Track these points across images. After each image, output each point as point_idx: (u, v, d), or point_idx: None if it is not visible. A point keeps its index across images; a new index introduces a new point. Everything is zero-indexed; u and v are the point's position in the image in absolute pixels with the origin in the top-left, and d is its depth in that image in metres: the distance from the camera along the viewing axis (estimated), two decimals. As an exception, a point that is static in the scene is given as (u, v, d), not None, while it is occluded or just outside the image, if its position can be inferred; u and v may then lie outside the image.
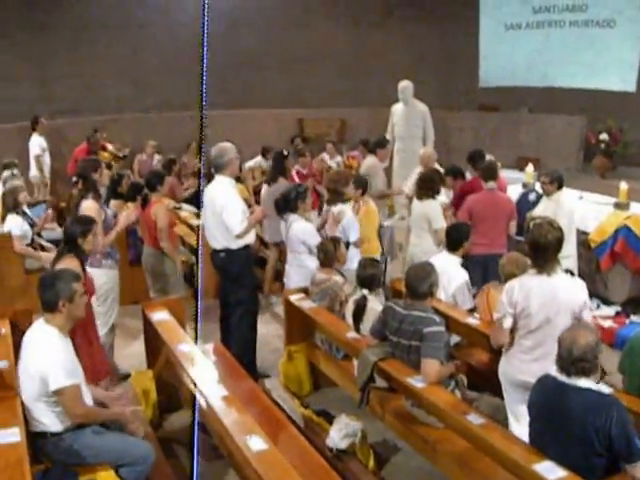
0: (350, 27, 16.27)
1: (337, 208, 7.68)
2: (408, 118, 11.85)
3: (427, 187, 8.03)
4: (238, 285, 6.97)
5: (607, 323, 8.14)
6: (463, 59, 15.60)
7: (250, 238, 6.98)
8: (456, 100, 15.87)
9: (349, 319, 6.18)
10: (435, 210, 7.95)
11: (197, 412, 4.57)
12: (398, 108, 12.04)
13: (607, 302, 8.76)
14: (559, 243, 4.82)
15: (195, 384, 5.07)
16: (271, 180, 9.26)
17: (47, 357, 4.54)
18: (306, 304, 6.63)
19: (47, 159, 12.87)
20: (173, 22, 14.67)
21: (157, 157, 13.45)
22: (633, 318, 8.27)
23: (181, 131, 14.01)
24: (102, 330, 6.69)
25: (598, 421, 3.81)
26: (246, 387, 5.80)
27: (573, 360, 3.90)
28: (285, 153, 9.54)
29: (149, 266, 7.70)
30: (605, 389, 4.06)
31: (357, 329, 6.03)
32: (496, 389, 5.37)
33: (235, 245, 6.81)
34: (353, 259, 7.15)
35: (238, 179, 10.35)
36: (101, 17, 14.70)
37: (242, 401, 5.09)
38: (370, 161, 9.63)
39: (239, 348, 6.89)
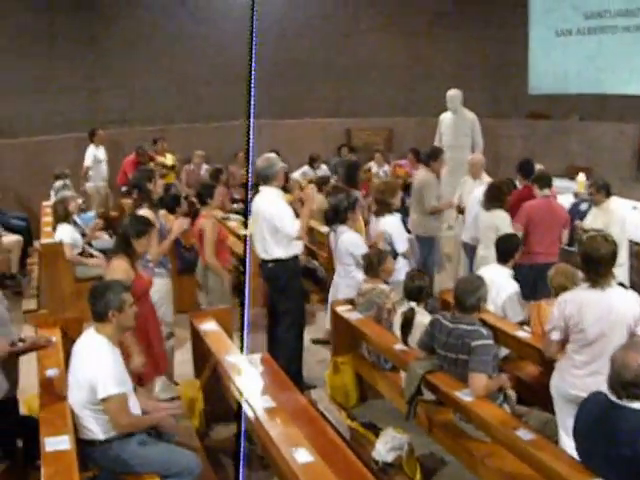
0: (398, 36, 16.19)
1: (383, 220, 7.67)
2: (456, 127, 11.81)
3: (495, 197, 7.97)
4: (286, 295, 7.02)
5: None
6: (512, 66, 15.45)
7: (298, 248, 7.04)
8: (505, 108, 15.72)
9: (397, 331, 6.16)
10: (504, 220, 7.86)
11: (243, 423, 4.61)
12: (446, 117, 12.00)
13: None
14: (613, 257, 4.75)
15: (242, 394, 5.10)
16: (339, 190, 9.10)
17: (96, 366, 4.62)
18: (353, 315, 6.62)
19: (103, 170, 13.07)
20: (221, 33, 14.74)
21: (205, 166, 13.56)
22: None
23: (229, 141, 14.11)
24: None
25: None
26: (292, 398, 5.80)
27: (623, 384, 3.78)
28: (357, 163, 9.50)
29: (199, 278, 7.77)
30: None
31: (405, 341, 6.00)
32: (546, 403, 5.31)
33: (284, 255, 6.86)
34: (401, 270, 7.15)
35: (285, 189, 10.41)
36: (150, 28, 14.85)
37: (288, 412, 5.11)
38: (422, 175, 9.36)
39: (285, 358, 6.90)
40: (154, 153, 13.22)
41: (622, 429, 3.77)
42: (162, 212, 9.23)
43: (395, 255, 7.30)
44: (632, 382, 3.76)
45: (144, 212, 6.93)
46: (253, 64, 3.65)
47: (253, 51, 3.62)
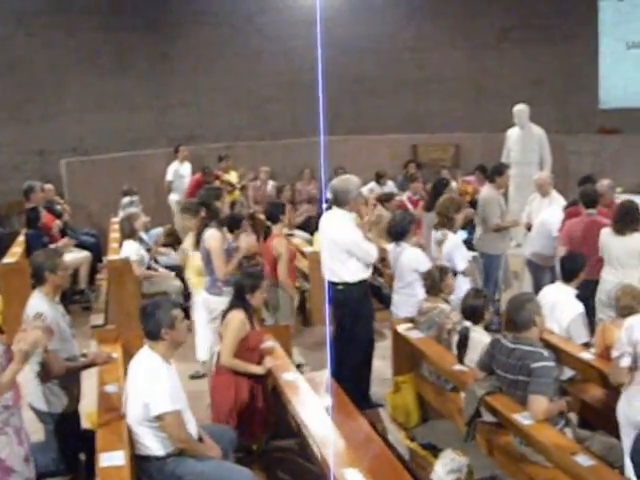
0: (464, 50, 16.08)
1: (438, 233, 7.62)
2: (524, 143, 11.66)
3: (631, 219, 7.31)
4: (355, 318, 6.92)
5: None
6: (581, 80, 15.19)
7: (367, 273, 6.95)
8: (574, 123, 15.45)
9: (455, 350, 6.09)
10: None
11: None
12: (514, 132, 11.86)
13: None
14: None
15: (299, 413, 5.10)
16: (431, 207, 8.90)
17: (150, 383, 4.71)
18: (414, 334, 6.57)
19: (185, 185, 13.31)
20: (288, 49, 14.90)
21: (271, 183, 13.65)
22: None
23: (294, 158, 14.23)
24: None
25: None
26: (351, 417, 5.78)
27: None
28: (445, 180, 9.51)
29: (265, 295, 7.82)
30: None
31: (461, 360, 5.94)
32: (611, 427, 5.19)
33: (353, 279, 6.78)
34: (462, 287, 7.06)
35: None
36: (218, 46, 15.11)
37: (345, 432, 5.09)
38: (486, 192, 9.23)
39: (354, 379, 6.86)
40: (220, 171, 13.36)
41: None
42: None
43: (455, 274, 7.22)
44: None
45: (213, 232, 7.02)
46: (321, 81, 3.66)
47: (320, 68, 3.63)
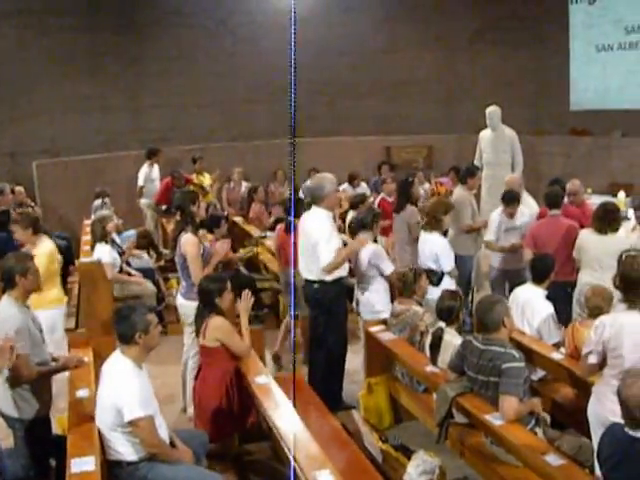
0: (437, 53, 16.17)
1: (431, 238, 7.60)
2: (496, 144, 11.68)
3: (612, 219, 7.34)
4: (329, 317, 6.94)
5: None
6: (553, 82, 15.32)
7: (343, 271, 6.94)
8: (546, 125, 15.59)
9: (427, 351, 6.11)
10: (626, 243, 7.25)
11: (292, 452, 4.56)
12: (486, 134, 11.89)
13: None
14: None
15: (270, 416, 5.08)
16: (400, 208, 9.03)
17: (122, 388, 4.65)
18: (386, 336, 6.57)
19: (156, 188, 13.21)
20: (261, 51, 14.84)
21: (245, 184, 13.57)
22: None
23: (268, 159, 14.20)
24: (194, 360, 6.80)
25: None
26: (323, 420, 5.77)
27: None
28: (410, 179, 9.50)
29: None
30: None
31: (434, 362, 5.97)
32: (581, 426, 5.22)
33: (329, 277, 6.77)
34: (448, 288, 7.05)
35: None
36: (191, 48, 15.03)
37: (317, 434, 5.07)
38: (458, 193, 9.35)
39: (327, 379, 6.92)
40: (193, 173, 13.32)
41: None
42: (201, 232, 9.37)
43: (442, 274, 7.26)
44: None
45: (189, 236, 6.98)
46: (294, 82, 3.65)
47: (293, 69, 3.61)
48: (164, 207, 12.28)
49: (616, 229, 7.33)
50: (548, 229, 7.85)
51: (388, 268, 7.22)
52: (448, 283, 7.41)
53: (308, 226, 6.80)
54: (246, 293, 6.22)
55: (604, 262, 7.01)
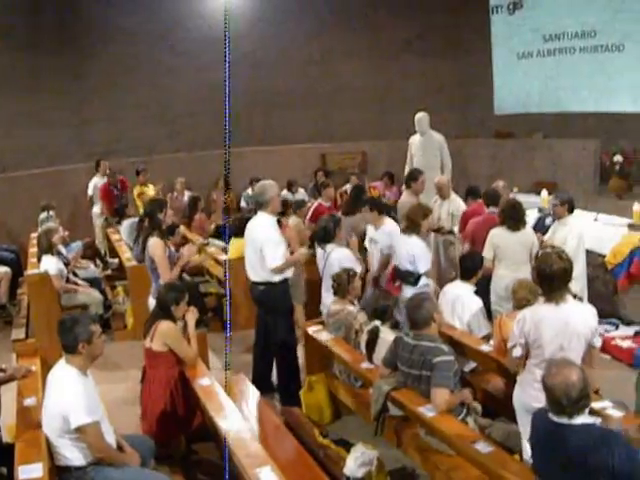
0: (368, 63, 16.27)
1: (409, 240, 7.64)
2: (425, 149, 11.76)
3: (521, 215, 7.62)
4: (276, 316, 6.98)
5: (626, 343, 7.99)
6: (478, 88, 15.52)
7: (288, 272, 6.99)
8: (472, 129, 15.79)
9: (363, 349, 6.13)
10: (535, 237, 7.68)
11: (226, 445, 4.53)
12: (415, 139, 11.97)
13: (625, 322, 8.59)
14: (565, 273, 4.69)
15: (214, 416, 5.04)
16: (349, 212, 9.11)
17: (67, 396, 4.59)
18: (323, 335, 6.58)
19: None
20: (200, 65, 14.76)
21: (187, 193, 13.49)
22: (653, 337, 8.12)
23: (210, 169, 14.13)
24: None
25: (600, 458, 3.63)
26: (265, 418, 5.73)
27: (574, 402, 3.71)
28: (362, 186, 9.90)
29: None
30: (597, 419, 3.91)
31: (370, 359, 5.98)
32: (511, 414, 5.25)
33: (275, 279, 6.83)
34: (424, 289, 7.19)
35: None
36: (132, 63, 14.90)
37: (259, 431, 5.07)
38: (404, 197, 9.47)
39: (282, 378, 6.97)
40: (137, 185, 13.23)
41: (571, 448, 3.70)
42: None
43: (418, 275, 7.32)
44: (579, 397, 3.70)
45: (156, 240, 7.13)
46: (228, 94, 3.61)
47: (227, 82, 3.57)
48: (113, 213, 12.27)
49: (525, 225, 7.59)
50: (485, 225, 7.95)
51: (357, 268, 7.31)
52: (425, 283, 7.46)
53: (254, 230, 6.85)
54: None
55: (519, 256, 7.30)
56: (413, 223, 7.64)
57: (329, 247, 7.55)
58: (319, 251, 7.73)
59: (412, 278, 7.42)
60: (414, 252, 7.46)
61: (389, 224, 8.37)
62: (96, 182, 13.10)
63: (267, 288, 6.87)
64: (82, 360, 4.74)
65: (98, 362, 5.09)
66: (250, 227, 6.97)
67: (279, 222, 8.02)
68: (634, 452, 3.74)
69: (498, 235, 7.54)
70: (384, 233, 8.23)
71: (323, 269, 7.60)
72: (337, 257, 7.40)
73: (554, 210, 8.02)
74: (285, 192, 13.36)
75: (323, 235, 7.60)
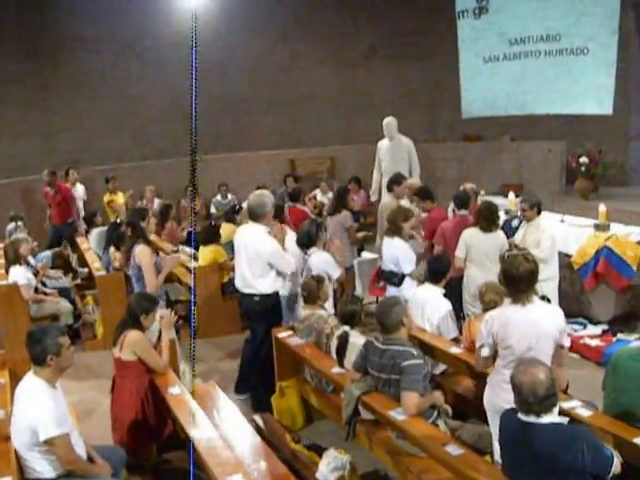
0: (335, 68, 16.30)
1: (393, 243, 7.75)
2: (394, 153, 11.80)
3: (495, 217, 7.83)
4: (267, 325, 6.97)
5: (594, 342, 8.07)
6: (445, 92, 15.59)
7: (279, 284, 7.06)
8: (440, 132, 15.88)
9: (334, 354, 6.12)
10: (505, 239, 7.81)
11: (192, 452, 4.51)
12: (384, 144, 12.00)
13: (593, 321, 8.67)
14: (532, 275, 4.73)
15: (185, 425, 5.01)
16: (335, 211, 9.24)
17: (36, 409, 4.55)
18: (293, 340, 6.55)
19: (77, 206, 13.00)
20: (167, 73, 14.71)
21: (157, 201, 13.44)
22: (619, 336, 8.20)
23: (179, 176, 14.05)
24: None
25: (569, 456, 3.66)
26: (236, 424, 5.70)
27: (541, 400, 3.74)
28: (347, 187, 10.10)
29: None
30: (565, 419, 3.94)
31: (341, 363, 5.98)
32: (482, 415, 5.27)
33: (268, 290, 6.88)
34: (410, 289, 7.35)
35: (232, 220, 10.35)
36: (99, 72, 14.82)
37: (230, 439, 5.04)
38: (386, 200, 9.58)
39: (266, 386, 6.93)
40: (106, 193, 13.16)
41: (539, 447, 3.73)
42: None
43: (402, 277, 7.38)
44: (546, 395, 3.74)
45: (142, 247, 7.14)
46: (194, 102, 3.60)
47: (194, 89, 3.56)
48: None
49: (498, 227, 7.80)
50: (456, 228, 8.05)
51: (336, 272, 7.46)
52: (409, 284, 7.54)
53: (249, 242, 6.85)
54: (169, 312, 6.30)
55: (491, 257, 7.41)
56: (395, 226, 7.75)
57: (310, 251, 7.60)
58: (302, 255, 7.77)
59: (396, 279, 7.52)
60: (397, 254, 7.60)
61: None
62: None
63: (260, 299, 6.90)
64: (51, 372, 4.69)
65: (68, 372, 5.05)
66: (247, 239, 6.92)
67: None
68: (602, 448, 3.78)
69: (471, 235, 7.68)
70: None
71: (302, 272, 7.65)
72: (316, 261, 7.45)
73: (524, 214, 8.10)
74: (219, 197, 13.64)
75: (306, 239, 7.64)
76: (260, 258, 6.78)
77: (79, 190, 13.18)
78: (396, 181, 9.59)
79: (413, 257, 7.73)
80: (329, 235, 8.95)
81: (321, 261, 7.45)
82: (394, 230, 7.78)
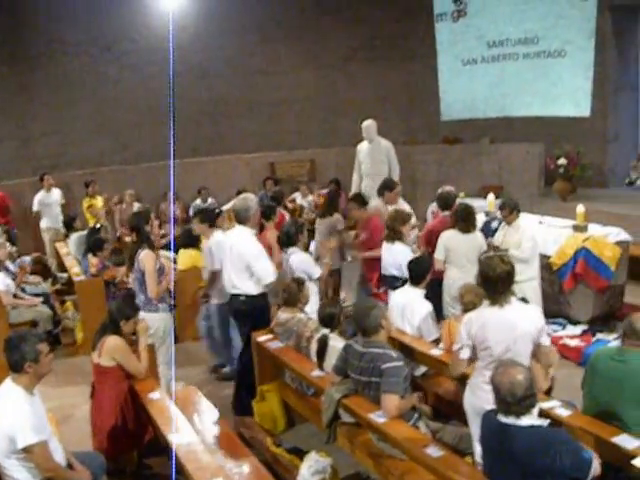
0: (315, 71, 16.28)
1: (393, 247, 7.77)
2: (373, 155, 11.82)
3: (473, 219, 7.82)
4: (253, 326, 6.97)
5: (574, 342, 8.12)
6: (424, 95, 15.63)
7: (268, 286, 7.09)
8: (419, 135, 15.90)
9: (314, 357, 6.11)
10: (483, 240, 7.86)
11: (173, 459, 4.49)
12: (363, 146, 12.02)
13: (573, 321, 8.71)
14: (509, 277, 4.73)
15: (165, 430, 4.98)
16: (327, 213, 9.34)
17: (13, 416, 4.50)
18: (273, 344, 6.55)
19: (53, 212, 12.94)
20: (146, 76, 14.66)
21: (137, 205, 13.41)
22: (599, 336, 8.25)
23: (158, 180, 14.00)
24: (161, 365, 6.89)
25: (547, 459, 3.68)
26: (217, 429, 5.68)
27: (519, 400, 3.76)
28: (338, 191, 10.42)
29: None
30: (545, 421, 3.95)
31: (321, 367, 5.98)
32: (463, 416, 5.27)
33: (255, 291, 6.94)
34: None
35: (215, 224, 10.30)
36: (78, 75, 14.74)
37: (211, 443, 5.02)
38: (373, 203, 9.46)
39: (248, 388, 6.95)
40: (85, 197, 13.09)
41: (518, 449, 3.75)
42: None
43: (405, 281, 7.31)
44: (524, 395, 3.76)
45: (147, 252, 7.06)
46: (172, 105, 3.58)
47: (172, 93, 3.54)
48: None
49: (475, 227, 7.84)
50: (440, 229, 8.04)
51: (316, 272, 7.50)
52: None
53: (235, 244, 6.94)
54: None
55: (471, 258, 7.43)
56: (394, 231, 7.80)
57: (290, 251, 7.66)
58: (284, 256, 7.82)
59: (398, 283, 7.50)
60: (399, 259, 7.59)
61: None
62: (41, 197, 12.90)
63: (247, 300, 6.97)
64: (29, 379, 4.65)
65: (48, 378, 5.03)
66: (232, 241, 7.01)
67: (261, 226, 8.49)
68: (580, 451, 3.79)
69: (449, 237, 7.70)
70: None
71: (286, 271, 7.68)
72: (295, 261, 7.51)
73: (505, 218, 8.14)
74: (235, 201, 13.37)
75: (286, 240, 7.71)
76: (241, 259, 6.87)
77: (55, 195, 13.06)
78: (388, 187, 9.43)
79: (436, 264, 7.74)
80: (319, 237, 9.04)
81: (300, 261, 7.51)
82: (393, 235, 7.81)
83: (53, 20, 14.29)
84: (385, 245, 7.95)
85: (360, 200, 9.05)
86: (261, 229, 8.60)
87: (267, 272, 6.90)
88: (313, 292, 7.37)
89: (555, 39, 13.54)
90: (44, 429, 4.65)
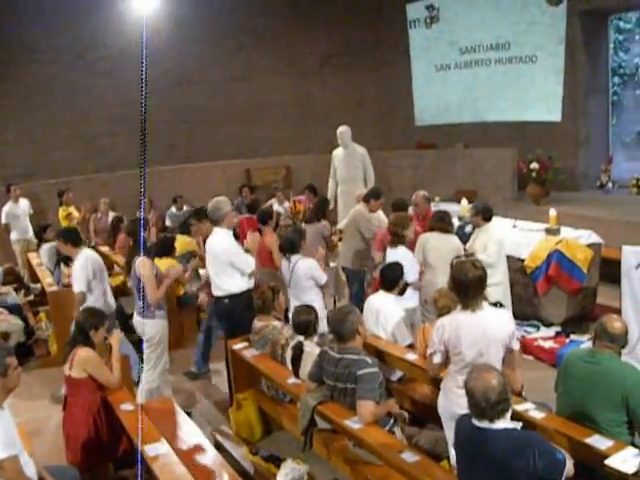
0: (289, 78, 16.31)
1: (396, 251, 7.75)
2: (348, 161, 11.85)
3: (449, 221, 7.95)
4: (236, 326, 7.02)
5: (548, 344, 8.15)
6: (398, 101, 15.70)
7: (250, 283, 7.16)
8: (394, 140, 15.95)
9: (289, 364, 6.08)
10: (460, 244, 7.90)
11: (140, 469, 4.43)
12: (338, 152, 12.04)
13: (546, 323, 8.75)
14: (480, 281, 4.73)
15: (137, 441, 4.92)
16: (315, 219, 9.36)
17: (-18, 431, 4.38)
18: (249, 352, 6.52)
19: (22, 223, 12.76)
20: (119, 84, 14.60)
21: (111, 214, 13.27)
22: (572, 337, 8.30)
23: (133, 188, 13.81)
24: (155, 372, 7.01)
25: (522, 462, 3.67)
26: (190, 438, 5.61)
27: (493, 405, 3.75)
28: (328, 198, 10.58)
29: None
30: (518, 424, 3.95)
31: (296, 374, 5.95)
32: (440, 421, 5.27)
33: (238, 290, 7.01)
34: (412, 298, 7.55)
35: (187, 232, 10.26)
36: (49, 84, 14.64)
37: (184, 453, 4.96)
38: (358, 208, 9.41)
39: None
40: (60, 206, 12.98)
41: (493, 452, 3.75)
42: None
43: (406, 285, 7.36)
44: (498, 400, 3.75)
45: (143, 259, 7.02)
46: (144, 112, 3.54)
47: (144, 99, 3.51)
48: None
49: (453, 227, 8.03)
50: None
51: (323, 278, 7.54)
52: (411, 294, 7.56)
53: (216, 247, 7.02)
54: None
55: (449, 261, 7.27)
56: (397, 235, 7.80)
57: (294, 258, 7.63)
58: (284, 262, 7.81)
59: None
60: (402, 262, 7.48)
61: None
62: (8, 209, 12.68)
63: (231, 300, 7.04)
64: None
65: (20, 390, 4.99)
66: (211, 244, 7.12)
67: (259, 231, 8.64)
68: (554, 453, 3.79)
69: (428, 239, 7.73)
70: None
71: (289, 279, 7.67)
72: (304, 267, 7.50)
73: (471, 220, 8.17)
74: (174, 209, 13.55)
75: (289, 247, 7.71)
76: (219, 258, 6.95)
77: (23, 205, 12.85)
78: (375, 195, 9.29)
79: (417, 267, 7.74)
80: (307, 244, 9.03)
81: (308, 267, 7.51)
82: (395, 240, 7.82)
83: (25, 27, 14.20)
84: (389, 250, 7.93)
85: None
86: (259, 233, 8.72)
87: (247, 263, 7.02)
88: (318, 297, 7.49)
89: (526, 45, 13.69)
90: (14, 444, 4.54)
